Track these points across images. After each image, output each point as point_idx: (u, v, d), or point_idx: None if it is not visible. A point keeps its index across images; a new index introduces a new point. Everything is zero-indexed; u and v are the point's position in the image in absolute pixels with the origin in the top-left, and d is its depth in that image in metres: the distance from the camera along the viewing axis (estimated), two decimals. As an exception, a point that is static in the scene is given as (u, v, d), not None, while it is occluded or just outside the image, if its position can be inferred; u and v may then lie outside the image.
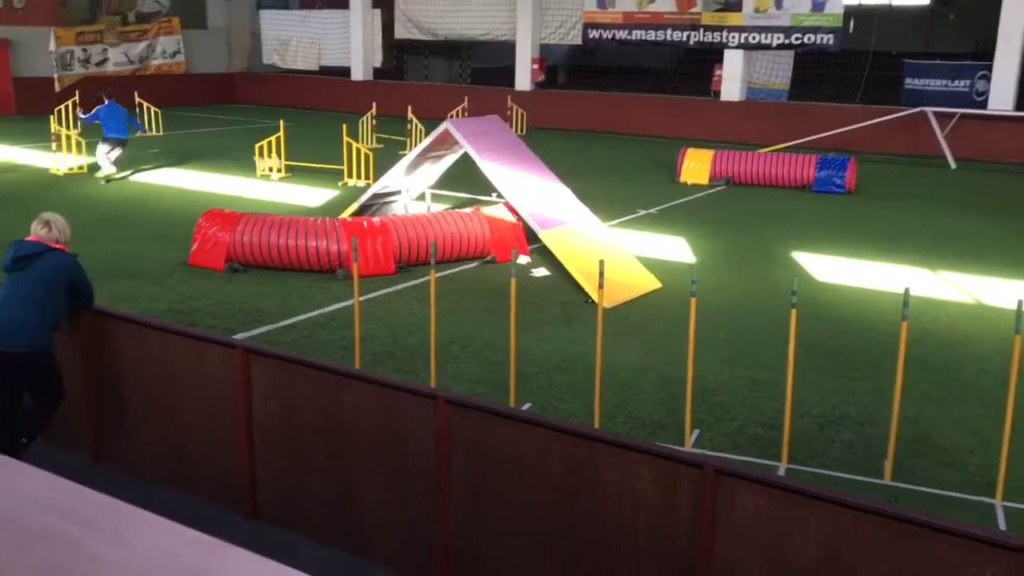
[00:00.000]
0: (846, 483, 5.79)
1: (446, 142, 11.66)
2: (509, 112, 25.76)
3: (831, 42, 23.68)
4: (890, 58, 26.64)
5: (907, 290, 5.59)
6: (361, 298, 8.74)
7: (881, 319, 9.04)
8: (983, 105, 22.16)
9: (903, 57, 25.57)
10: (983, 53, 23.10)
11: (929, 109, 21.51)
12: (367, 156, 16.56)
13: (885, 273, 11.04)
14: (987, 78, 22.38)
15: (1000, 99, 21.88)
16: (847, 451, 6.25)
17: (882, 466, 5.88)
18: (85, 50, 29.20)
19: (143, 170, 17.63)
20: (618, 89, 28.60)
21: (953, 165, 20.73)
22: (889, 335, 8.40)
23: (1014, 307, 5.39)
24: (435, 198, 13.29)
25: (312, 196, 15.42)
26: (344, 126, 17.17)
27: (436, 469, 4.33)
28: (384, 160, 16.26)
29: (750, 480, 3.64)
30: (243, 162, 18.25)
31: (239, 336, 7.96)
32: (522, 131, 25.55)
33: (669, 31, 25.95)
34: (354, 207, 12.22)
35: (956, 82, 23.29)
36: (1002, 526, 5.33)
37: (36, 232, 5.54)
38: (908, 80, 24.11)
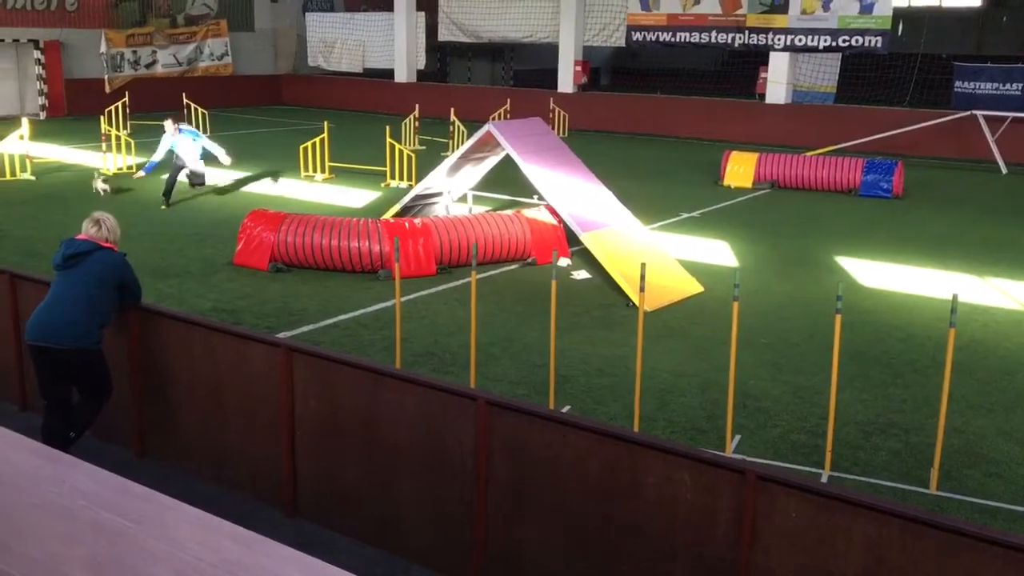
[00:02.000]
0: (891, 491, 5.70)
1: (488, 144, 11.68)
2: (551, 114, 25.73)
3: (879, 44, 23.32)
4: (940, 60, 26.19)
5: (955, 296, 5.49)
6: (402, 299, 8.79)
7: (928, 326, 8.88)
8: (1035, 109, 21.67)
9: (953, 59, 25.11)
10: (1036, 55, 22.62)
11: (980, 112, 21.07)
12: (410, 158, 16.65)
13: (932, 279, 10.84)
14: (1040, 81, 21.89)
15: (1054, 102, 21.38)
16: (892, 459, 6.14)
17: (928, 475, 5.78)
18: (135, 52, 29.73)
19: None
20: (661, 91, 28.44)
21: (1004, 170, 20.31)
22: (936, 342, 8.25)
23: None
24: (476, 200, 13.32)
25: (355, 197, 15.54)
26: (387, 128, 17.29)
27: (475, 469, 4.34)
28: (426, 162, 16.34)
29: (792, 487, 3.60)
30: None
31: (282, 335, 8.06)
32: (564, 133, 25.51)
33: (714, 33, 25.75)
34: (396, 208, 12.29)
35: (1008, 85, 22.80)
36: (1052, 539, 5.20)
37: (87, 231, 5.65)
38: (958, 83, 23.65)
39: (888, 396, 7.22)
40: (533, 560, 4.32)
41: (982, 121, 20.91)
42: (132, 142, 17.75)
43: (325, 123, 17.72)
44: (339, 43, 32.91)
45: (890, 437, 6.48)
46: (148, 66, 30.14)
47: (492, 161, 12.64)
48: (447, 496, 4.55)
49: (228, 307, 9.11)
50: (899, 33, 23.54)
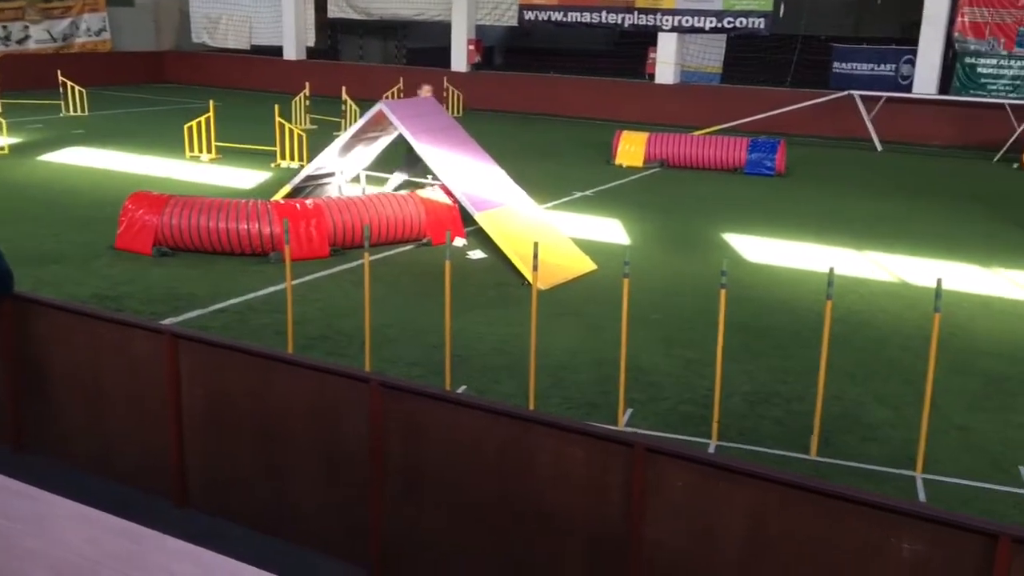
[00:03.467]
0: (775, 459, 5.94)
1: (380, 123, 11.55)
2: (445, 93, 25.60)
3: (762, 26, 24.03)
4: (819, 42, 27.13)
5: (831, 270, 5.74)
6: (294, 281, 8.63)
7: (809, 299, 9.25)
8: (908, 89, 22.74)
9: (831, 41, 26.09)
10: (908, 38, 23.67)
11: (856, 93, 21.98)
12: (300, 137, 16.33)
13: (813, 254, 11.29)
14: (912, 62, 22.97)
15: (924, 83, 22.49)
16: (776, 428, 6.40)
17: (809, 442, 6.04)
18: (5, 27, 28.18)
19: (67, 151, 17.11)
20: (555, 71, 28.63)
21: (880, 148, 21.26)
22: (816, 315, 8.59)
23: (935, 286, 5.56)
24: (370, 180, 13.17)
25: (244, 178, 15.15)
26: (276, 106, 16.89)
27: (370, 452, 4.32)
28: (318, 141, 16.04)
29: (678, 457, 3.71)
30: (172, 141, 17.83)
31: (168, 321, 7.82)
32: (459, 113, 25.43)
33: (604, 13, 26.03)
34: (286, 189, 12.05)
35: (882, 66, 23.86)
36: (922, 498, 5.52)
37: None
38: (836, 64, 24.60)
39: (772, 367, 7.50)
40: (431, 541, 4.34)
41: (859, 101, 21.81)
42: (4, 122, 16.84)
43: (211, 102, 17.19)
44: (224, 19, 31.93)
45: (773, 406, 6.74)
46: (20, 42, 28.62)
47: (385, 141, 12.51)
48: (343, 481, 4.52)
49: (110, 293, 8.77)
50: (780, 15, 24.28)
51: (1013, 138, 20.09)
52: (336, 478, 4.53)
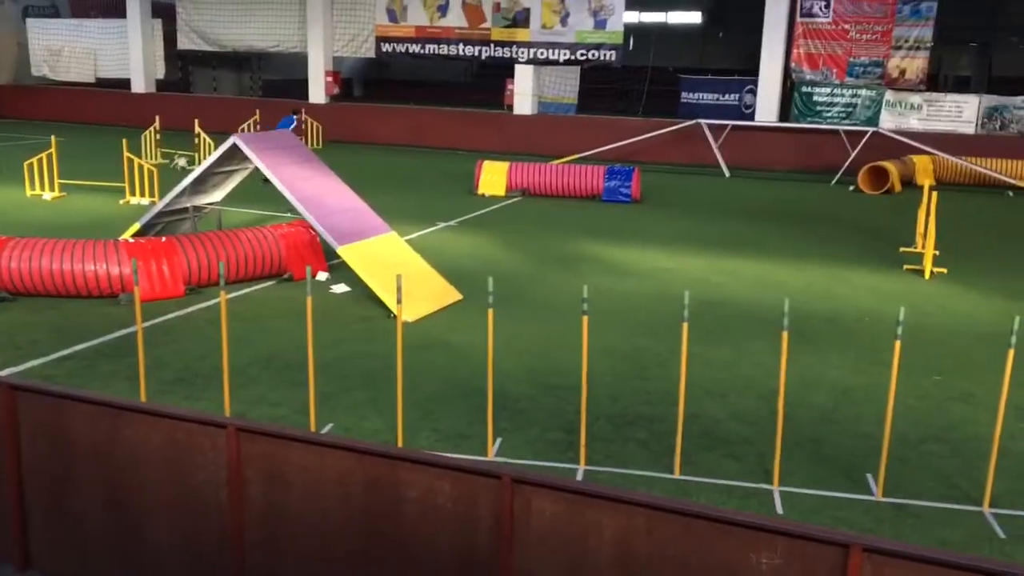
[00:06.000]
0: (642, 480, 6.06)
1: (235, 157, 11.24)
2: (304, 126, 25.22)
3: (613, 58, 24.83)
4: (668, 73, 28.29)
5: (686, 293, 5.93)
6: (148, 323, 8.27)
7: (669, 319, 9.51)
8: (751, 117, 23.96)
9: (679, 72, 27.24)
10: (750, 69, 24.96)
11: (704, 121, 22.98)
12: (151, 172, 15.71)
13: (671, 275, 11.65)
14: (753, 92, 24.21)
15: (765, 111, 23.72)
16: (641, 449, 6.53)
17: (672, 462, 6.19)
18: None
19: None
20: (415, 102, 28.69)
21: (727, 173, 22.25)
22: (676, 335, 8.87)
23: (785, 304, 5.82)
24: (228, 216, 12.79)
25: (90, 216, 14.43)
26: (125, 141, 16.22)
27: (230, 500, 4.15)
28: (170, 177, 15.48)
29: (546, 487, 3.72)
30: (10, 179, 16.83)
31: (6, 372, 7.33)
32: (319, 145, 25.11)
33: (461, 46, 26.32)
34: (136, 227, 11.53)
35: (727, 96, 25.07)
36: (779, 509, 5.74)
37: None
38: (684, 94, 25.70)
39: (636, 389, 7.67)
40: (296, 588, 4.19)
41: (706, 129, 22.80)
42: None
43: (52, 137, 16.33)
44: (67, 51, 30.52)
45: (638, 428, 6.89)
46: None
47: (241, 175, 12.17)
48: (202, 531, 4.32)
49: (-59, 344, 8.16)
50: (631, 47, 25.20)
51: (848, 162, 21.41)
52: (195, 529, 4.33)
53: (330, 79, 27.93)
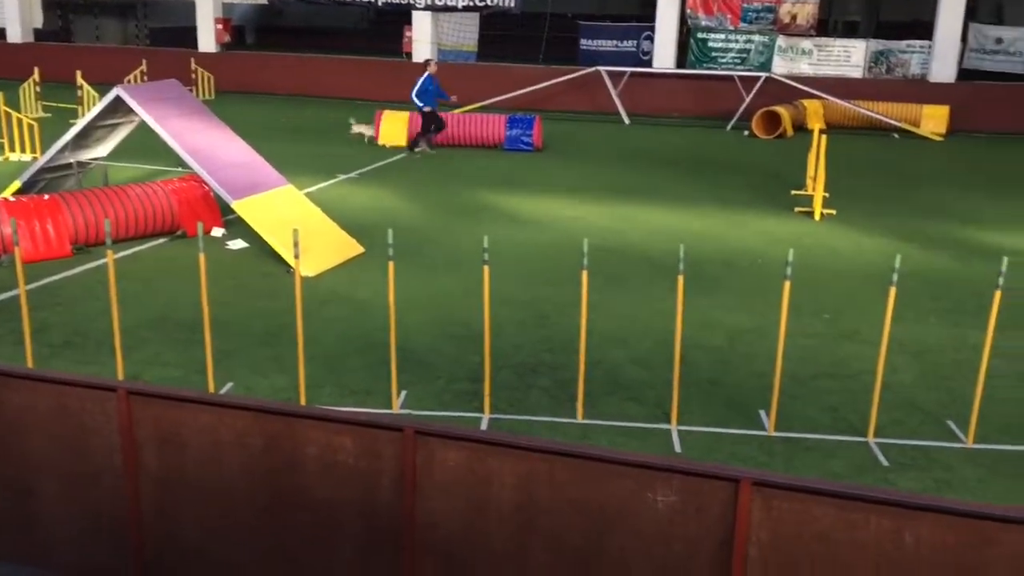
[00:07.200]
0: (546, 426, 6.16)
1: (120, 110, 10.77)
2: (194, 76, 24.30)
3: (512, 4, 24.58)
4: (567, 20, 28.20)
5: (585, 241, 6.00)
6: (32, 285, 7.94)
7: (571, 268, 9.60)
8: (649, 64, 24.14)
9: (578, 19, 27.19)
10: (647, 15, 25.07)
11: (603, 68, 23.04)
12: (31, 127, 14.94)
13: (574, 223, 11.74)
14: (651, 39, 24.38)
15: (663, 58, 23.94)
16: (544, 396, 6.62)
17: (575, 407, 6.30)
18: None
19: None
20: (311, 51, 27.90)
21: (627, 121, 22.43)
22: (577, 283, 8.97)
23: (680, 250, 5.94)
24: (115, 171, 12.30)
25: (-34, 174, 13.66)
26: (1, 94, 15.33)
27: (123, 465, 4.04)
28: (52, 131, 14.75)
29: (448, 437, 3.75)
30: None
31: None
32: (210, 96, 24.25)
33: (357, -9, 25.67)
34: (16, 184, 10.99)
35: (625, 42, 25.19)
36: (677, 449, 5.92)
37: None
38: (583, 41, 25.70)
39: (538, 338, 7.75)
40: (198, 551, 4.14)
41: (605, 76, 22.88)
42: None
43: (-82, 90, 15.34)
44: (-70, -3, 28.53)
45: (541, 376, 6.98)
46: None
47: (127, 128, 11.69)
48: (97, 499, 4.20)
49: None
50: (530, -7, 25.00)
51: (742, 108, 21.84)
52: (89, 497, 4.21)
53: (220, 27, 26.90)
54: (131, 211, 10.03)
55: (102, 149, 11.66)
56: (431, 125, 16.89)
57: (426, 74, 16.84)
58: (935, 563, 3.33)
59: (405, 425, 3.82)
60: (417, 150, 16.84)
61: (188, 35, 27.36)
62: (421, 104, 16.74)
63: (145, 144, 12.33)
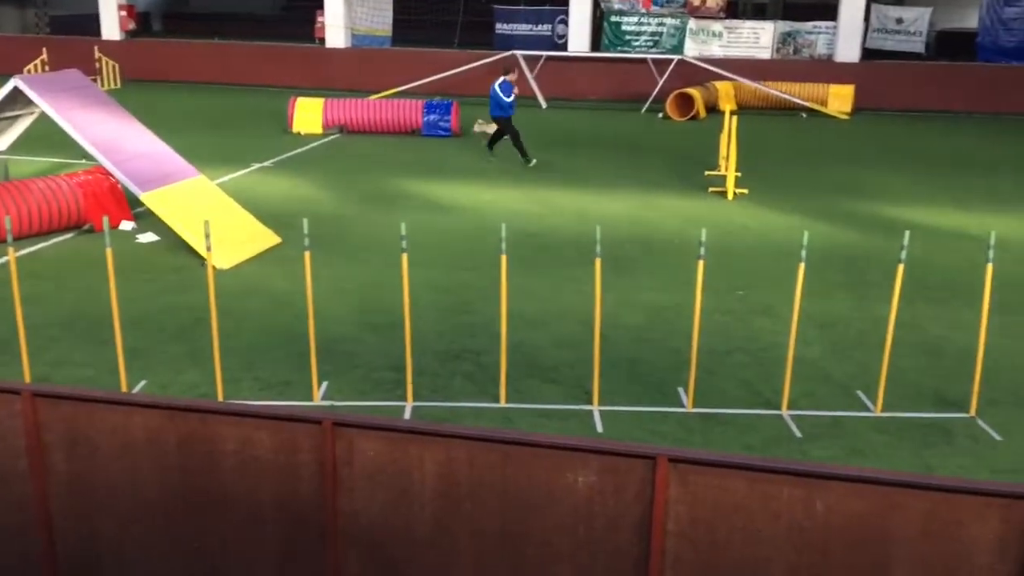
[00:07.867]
0: (469, 412, 6.17)
1: (19, 101, 10.36)
2: (98, 64, 23.49)
3: (427, -12, 24.40)
4: (482, 3, 28.10)
5: (503, 226, 6.01)
6: (-73, 288, 7.59)
7: (488, 254, 9.62)
8: (564, 47, 24.24)
9: (492, 3, 27.12)
10: (562, -1, 25.16)
11: (519, 52, 23.04)
12: (-78, 121, 14.23)
13: (495, 208, 11.75)
14: (565, 22, 24.47)
15: (577, 41, 24.06)
16: (467, 382, 6.63)
17: (498, 391, 6.32)
18: None
19: None
20: (219, 37, 27.23)
21: (544, 105, 22.50)
22: (497, 269, 9.00)
23: (597, 232, 6.00)
24: (17, 166, 11.84)
25: None
26: None
27: (29, 469, 3.91)
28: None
29: (367, 427, 3.72)
30: None
31: None
32: (116, 85, 23.49)
33: (266, -24, 25.10)
34: (-91, 182, 10.49)
35: (540, 26, 25.23)
36: (599, 428, 6.00)
37: None
38: (499, 25, 25.65)
39: (459, 323, 7.75)
40: (113, 557, 4.03)
41: (521, 60, 22.88)
42: None
43: None
44: None
45: (464, 361, 6.98)
46: None
47: (28, 120, 11.25)
48: (3, 504, 4.05)
49: None
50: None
51: (656, 90, 22.12)
52: (-5, 504, 4.06)
53: (124, 13, 26.04)
54: (34, 206, 9.67)
55: (1, 143, 11.20)
56: (510, 130, 15.04)
57: (503, 79, 14.94)
58: (845, 529, 3.44)
59: (323, 417, 3.78)
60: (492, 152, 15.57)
61: (91, 23, 26.41)
62: (509, 114, 14.94)
63: (48, 136, 11.89)
